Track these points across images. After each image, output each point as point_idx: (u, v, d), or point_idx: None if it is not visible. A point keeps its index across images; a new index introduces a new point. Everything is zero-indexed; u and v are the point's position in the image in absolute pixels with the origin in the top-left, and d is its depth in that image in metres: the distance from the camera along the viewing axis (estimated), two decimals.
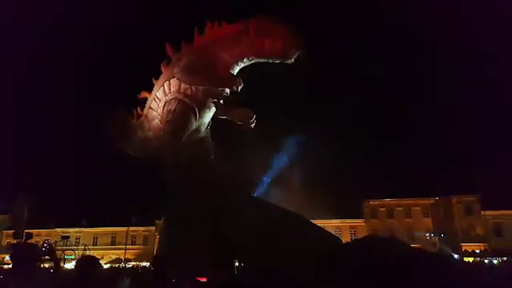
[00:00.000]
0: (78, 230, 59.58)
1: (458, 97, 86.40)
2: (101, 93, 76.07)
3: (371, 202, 58.54)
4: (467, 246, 50.95)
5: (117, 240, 60.07)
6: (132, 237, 59.47)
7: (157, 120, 15.96)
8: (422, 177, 56.10)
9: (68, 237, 43.44)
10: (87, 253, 34.47)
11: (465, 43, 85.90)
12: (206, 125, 15.93)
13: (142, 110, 16.85)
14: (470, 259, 43.49)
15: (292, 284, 8.93)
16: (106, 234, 61.25)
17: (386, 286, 7.21)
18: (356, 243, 14.09)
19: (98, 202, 57.43)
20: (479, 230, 53.07)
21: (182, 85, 14.89)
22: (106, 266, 45.32)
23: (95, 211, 57.63)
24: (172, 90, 15.21)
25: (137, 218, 57.85)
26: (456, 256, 44.62)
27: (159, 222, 51.15)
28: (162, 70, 15.92)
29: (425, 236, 49.76)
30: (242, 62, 14.27)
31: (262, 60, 14.11)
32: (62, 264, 29.42)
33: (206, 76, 14.32)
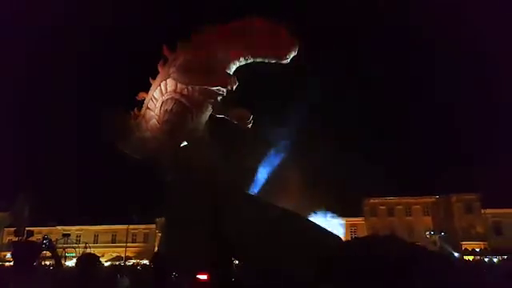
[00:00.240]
0: (78, 227, 59.72)
1: (457, 97, 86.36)
2: (101, 93, 76.07)
3: (371, 201, 58.59)
4: (467, 245, 51.00)
5: (117, 238, 60.21)
6: (132, 235, 59.58)
7: (154, 120, 15.96)
8: (422, 175, 56.29)
9: (69, 234, 43.63)
10: (88, 250, 34.57)
11: (465, 43, 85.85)
12: (204, 124, 15.92)
13: (140, 110, 16.87)
14: (470, 258, 43.55)
15: (292, 284, 8.95)
16: (106, 231, 61.40)
17: (386, 285, 7.22)
18: (356, 242, 14.09)
19: (98, 200, 57.59)
20: (479, 229, 53.12)
21: (179, 84, 14.88)
22: (106, 264, 45.47)
23: (96, 209, 57.82)
24: (168, 89, 15.21)
25: (137, 216, 57.95)
26: (456, 254, 44.67)
27: (159, 220, 51.30)
28: (159, 69, 15.92)
29: (425, 234, 49.77)
30: (239, 61, 14.26)
31: (258, 60, 14.10)
32: (63, 261, 29.46)
33: (201, 75, 14.31)
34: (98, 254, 8.28)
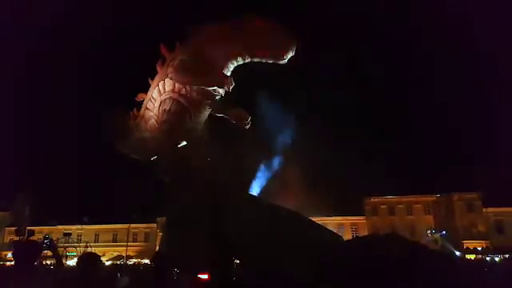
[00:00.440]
0: (79, 227, 59.78)
1: (457, 97, 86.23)
2: (101, 93, 76.10)
3: (372, 199, 58.56)
4: (469, 244, 50.94)
5: (118, 237, 60.28)
6: (133, 234, 59.63)
7: (153, 120, 15.99)
8: (423, 174, 56.17)
9: (70, 234, 43.60)
10: (89, 250, 34.61)
11: (465, 43, 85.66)
12: (203, 124, 15.93)
13: (139, 110, 16.90)
14: (472, 256, 43.52)
15: (292, 284, 8.94)
16: (107, 231, 61.46)
17: (386, 286, 7.21)
18: (357, 242, 14.08)
19: (99, 199, 57.65)
20: (481, 227, 53.06)
21: (177, 84, 14.90)
22: (107, 263, 45.52)
23: (97, 208, 57.88)
24: (167, 89, 15.24)
25: (138, 215, 58.03)
26: (457, 253, 44.64)
27: (160, 220, 51.33)
28: (158, 69, 15.95)
29: (426, 233, 49.74)
30: (236, 60, 14.24)
31: (255, 60, 14.08)
32: (63, 260, 29.52)
33: (198, 75, 14.32)
34: (99, 254, 8.28)
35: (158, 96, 15.59)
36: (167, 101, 15.16)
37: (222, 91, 14.86)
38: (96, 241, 59.04)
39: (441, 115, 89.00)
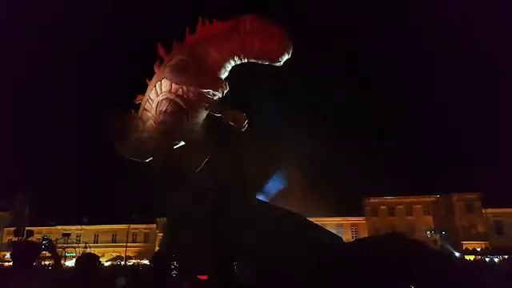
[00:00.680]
0: (78, 227, 59.67)
1: (457, 97, 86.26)
2: (101, 93, 76.02)
3: (372, 200, 58.55)
4: (468, 244, 50.93)
5: (117, 238, 60.19)
6: (133, 234, 59.56)
7: (151, 121, 15.95)
8: (422, 175, 56.13)
9: (69, 234, 43.58)
10: (88, 250, 34.56)
11: (465, 43, 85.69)
12: (200, 124, 15.88)
13: (137, 111, 16.87)
14: (471, 257, 43.50)
15: (292, 284, 8.92)
16: (106, 231, 61.36)
17: (385, 286, 7.19)
18: (357, 244, 14.07)
19: (98, 199, 57.54)
20: (480, 228, 53.05)
21: (173, 85, 14.87)
22: (106, 264, 45.45)
23: (96, 209, 57.77)
24: (163, 90, 15.20)
25: (138, 216, 57.95)
26: (457, 254, 44.62)
27: (160, 220, 51.26)
28: (155, 70, 15.91)
29: (426, 234, 49.71)
30: (233, 60, 14.19)
31: (252, 60, 14.02)
32: (62, 261, 29.45)
33: (194, 75, 14.27)
34: (99, 254, 8.25)
35: (155, 97, 15.56)
36: (164, 101, 15.14)
37: (217, 93, 14.85)
38: (95, 241, 58.93)
39: (441, 115, 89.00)
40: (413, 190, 55.39)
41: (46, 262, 22.68)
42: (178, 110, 14.82)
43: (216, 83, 13.89)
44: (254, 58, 13.81)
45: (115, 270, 28.16)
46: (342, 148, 49.27)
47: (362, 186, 52.40)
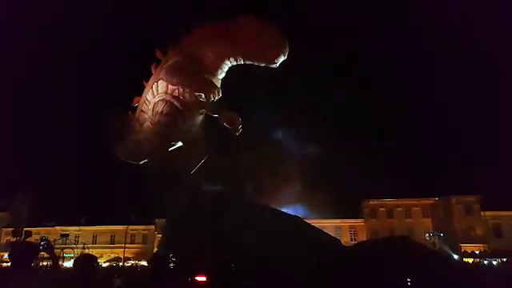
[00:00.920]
0: (77, 228, 59.50)
1: (457, 97, 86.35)
2: (101, 93, 75.90)
3: (371, 202, 58.53)
4: (467, 247, 50.92)
5: (116, 239, 60.04)
6: (131, 235, 59.43)
7: (148, 122, 15.95)
8: (421, 177, 55.98)
9: (67, 235, 43.38)
10: (86, 251, 34.44)
11: (465, 43, 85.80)
12: (198, 125, 15.86)
13: (134, 113, 16.86)
14: (470, 260, 43.48)
15: (292, 284, 8.91)
16: (105, 232, 61.21)
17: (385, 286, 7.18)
18: (358, 247, 14.07)
19: (97, 200, 57.41)
20: (479, 231, 53.03)
21: (170, 86, 14.85)
22: (105, 265, 45.34)
23: (95, 209, 57.62)
24: (160, 91, 15.21)
25: (136, 217, 57.84)
26: (455, 256, 44.61)
27: (159, 221, 51.16)
28: (152, 71, 15.91)
29: (424, 236, 49.68)
30: (229, 61, 14.18)
31: (248, 62, 13.99)
32: (60, 262, 29.41)
33: (187, 78, 14.26)
34: (97, 255, 8.24)
35: (152, 98, 15.55)
36: (160, 103, 15.13)
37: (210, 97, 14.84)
38: (94, 242, 58.76)
39: (441, 115, 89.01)
40: (412, 192, 55.40)
41: (44, 263, 22.64)
42: (175, 111, 14.80)
43: (208, 88, 13.83)
44: (250, 60, 13.79)
45: (112, 270, 28.10)
46: (341, 149, 49.24)
47: (361, 188, 52.38)
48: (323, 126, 53.05)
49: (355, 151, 52.41)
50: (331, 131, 52.81)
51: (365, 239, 53.75)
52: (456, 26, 71.96)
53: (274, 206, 15.44)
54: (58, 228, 57.01)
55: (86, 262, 5.55)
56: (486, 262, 42.55)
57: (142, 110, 16.27)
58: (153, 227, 57.56)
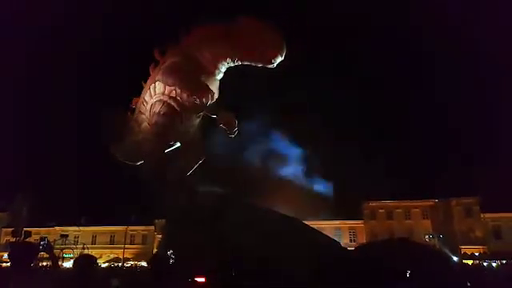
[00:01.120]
0: (76, 228, 59.48)
1: (457, 97, 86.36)
2: (101, 93, 75.91)
3: (371, 204, 58.50)
4: (466, 249, 50.89)
5: (115, 239, 60.01)
6: (131, 236, 59.43)
7: (145, 123, 15.93)
8: (421, 178, 55.97)
9: (67, 235, 43.39)
10: (85, 252, 34.44)
11: (465, 43, 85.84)
12: (196, 126, 15.85)
13: (133, 114, 16.87)
14: (469, 262, 43.44)
15: (291, 284, 8.91)
16: (104, 232, 61.20)
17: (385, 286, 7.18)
18: (357, 248, 14.05)
19: (97, 201, 57.40)
20: (478, 233, 53.02)
21: (167, 86, 14.85)
22: (104, 265, 45.29)
23: (94, 210, 57.60)
24: (157, 92, 15.20)
25: (136, 217, 57.82)
26: (455, 258, 44.55)
27: (158, 222, 51.15)
28: (151, 72, 15.91)
29: (424, 238, 49.64)
30: (226, 62, 14.15)
31: (245, 62, 13.97)
32: (60, 262, 29.39)
33: (183, 79, 14.24)
34: (96, 255, 8.24)
35: (150, 99, 15.56)
36: (157, 103, 15.13)
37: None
38: (93, 242, 58.76)
39: (441, 115, 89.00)
40: (411, 193, 55.38)
41: (44, 263, 22.63)
42: (172, 112, 14.79)
43: (202, 91, 13.76)
44: (247, 60, 13.76)
45: (111, 271, 28.08)
46: (340, 149, 49.25)
47: (360, 189, 52.36)
48: (323, 126, 53.04)
49: (355, 151, 52.43)
50: (331, 131, 52.80)
51: (364, 240, 53.76)
52: (456, 26, 72.05)
53: (273, 207, 15.44)
54: (57, 228, 57.01)
55: (85, 263, 5.56)
56: (485, 264, 42.52)
57: (140, 111, 16.27)
58: (152, 228, 57.54)
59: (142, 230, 60.16)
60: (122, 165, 17.63)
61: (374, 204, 58.44)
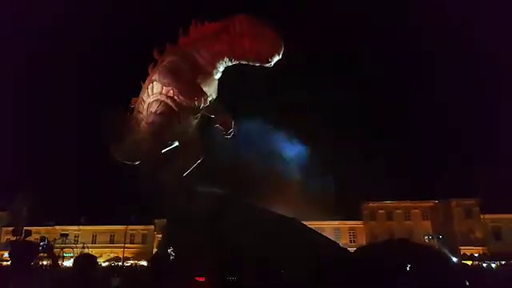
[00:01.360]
0: (76, 227, 59.52)
1: (457, 97, 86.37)
2: (101, 93, 75.93)
3: (370, 204, 58.52)
4: (466, 250, 50.91)
5: (115, 238, 60.05)
6: (131, 235, 59.44)
7: (143, 123, 15.94)
8: (421, 179, 55.99)
9: (67, 235, 43.39)
10: (85, 251, 34.46)
11: (465, 43, 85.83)
12: (194, 126, 15.84)
13: (132, 113, 16.88)
14: (469, 263, 43.44)
15: (291, 284, 8.93)
16: (104, 232, 61.25)
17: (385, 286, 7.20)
18: (358, 249, 14.07)
19: (97, 200, 57.43)
20: (478, 234, 53.05)
21: (164, 86, 14.85)
22: (104, 264, 45.32)
23: (94, 209, 57.64)
24: (155, 91, 15.18)
25: (136, 217, 57.83)
26: (454, 259, 44.52)
27: (158, 221, 51.19)
28: (149, 72, 15.92)
29: (424, 239, 49.64)
30: (223, 61, 14.10)
31: (242, 61, 13.90)
32: (60, 262, 29.40)
33: (178, 81, 14.21)
34: (96, 255, 8.26)
35: (147, 98, 15.59)
36: (154, 103, 15.14)
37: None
38: (93, 242, 58.78)
39: (441, 115, 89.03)
40: (411, 194, 55.41)
41: (44, 262, 22.64)
42: (169, 112, 14.78)
43: (194, 95, 13.74)
44: (244, 59, 13.69)
45: (111, 270, 28.10)
46: (340, 149, 49.21)
47: (360, 190, 52.33)
48: (323, 126, 53.01)
49: (355, 151, 52.40)
50: (331, 131, 52.78)
51: (364, 241, 53.79)
52: (456, 26, 72.07)
53: (272, 207, 15.44)
54: (57, 227, 57.02)
55: (85, 262, 5.58)
56: (485, 265, 42.52)
57: (139, 111, 16.27)
58: (152, 227, 57.58)
59: (142, 230, 60.21)
60: (121, 165, 17.63)
61: (373, 204, 58.46)
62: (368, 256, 8.16)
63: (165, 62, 14.75)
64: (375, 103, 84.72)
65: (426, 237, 49.51)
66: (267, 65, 13.25)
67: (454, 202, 54.85)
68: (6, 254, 43.33)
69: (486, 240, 52.19)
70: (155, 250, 46.91)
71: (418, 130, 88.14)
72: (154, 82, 15.09)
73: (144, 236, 60.12)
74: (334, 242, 14.36)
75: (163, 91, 14.89)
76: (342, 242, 51.12)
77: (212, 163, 16.77)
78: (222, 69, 14.40)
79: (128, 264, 48.99)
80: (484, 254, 49.83)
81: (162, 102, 14.94)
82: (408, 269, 7.38)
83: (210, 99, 14.72)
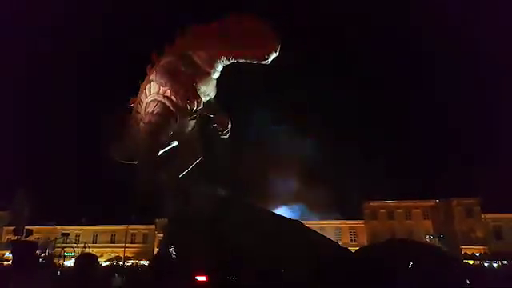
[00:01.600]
0: (78, 227, 59.65)
1: (457, 97, 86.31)
2: (101, 93, 75.98)
3: (371, 204, 58.47)
4: (467, 249, 50.86)
5: (116, 238, 60.14)
6: (132, 235, 59.51)
7: (142, 123, 15.99)
8: (422, 178, 55.93)
9: (68, 234, 43.51)
10: (86, 250, 34.51)
11: (465, 43, 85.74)
12: (192, 125, 15.87)
13: (131, 113, 16.93)
14: (470, 262, 43.43)
15: (291, 284, 8.95)
16: (105, 231, 61.35)
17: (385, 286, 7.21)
18: (359, 249, 14.07)
19: (98, 200, 57.48)
20: (479, 233, 52.99)
21: (162, 86, 14.90)
22: (105, 264, 45.40)
23: (95, 209, 57.68)
24: (152, 91, 15.27)
25: (137, 217, 57.85)
26: (456, 259, 44.44)
27: (159, 221, 51.21)
28: (147, 72, 15.97)
29: (425, 238, 49.64)
30: (221, 60, 14.15)
31: (240, 60, 13.96)
32: (60, 261, 29.46)
33: (174, 82, 14.26)
34: (97, 254, 8.30)
35: (145, 98, 15.65)
36: (152, 103, 15.22)
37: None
38: (94, 241, 58.91)
39: (441, 115, 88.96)
40: (412, 194, 55.32)
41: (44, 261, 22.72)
42: (166, 112, 14.83)
43: (189, 97, 13.81)
44: (242, 58, 13.75)
45: (112, 269, 28.15)
46: (340, 149, 49.18)
47: (361, 189, 52.29)
48: (323, 126, 52.97)
49: (355, 151, 52.38)
50: (331, 131, 52.74)
51: (365, 240, 53.78)
52: (456, 26, 71.99)
53: (272, 208, 15.49)
54: (58, 227, 57.18)
55: (86, 261, 5.59)
56: (486, 264, 42.51)
57: (137, 111, 16.35)
58: (153, 227, 57.63)
59: (143, 229, 60.26)
60: (120, 164, 17.67)
61: (374, 204, 58.40)
62: (368, 256, 8.17)
63: (162, 62, 14.82)
64: (375, 103, 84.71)
65: (427, 236, 49.50)
66: (264, 62, 13.33)
67: (454, 202, 54.79)
68: (8, 254, 43.46)
69: (487, 239, 52.14)
70: (156, 249, 47.01)
71: (418, 129, 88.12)
72: (152, 83, 15.17)
73: (145, 235, 60.18)
74: (334, 241, 14.40)
75: (160, 91, 14.96)
76: (343, 241, 51.10)
77: (211, 163, 16.80)
78: (220, 68, 14.45)
79: (129, 263, 49.06)
80: (485, 253, 49.78)
81: (159, 102, 15.01)
82: (408, 269, 7.40)
83: (208, 98, 14.77)
